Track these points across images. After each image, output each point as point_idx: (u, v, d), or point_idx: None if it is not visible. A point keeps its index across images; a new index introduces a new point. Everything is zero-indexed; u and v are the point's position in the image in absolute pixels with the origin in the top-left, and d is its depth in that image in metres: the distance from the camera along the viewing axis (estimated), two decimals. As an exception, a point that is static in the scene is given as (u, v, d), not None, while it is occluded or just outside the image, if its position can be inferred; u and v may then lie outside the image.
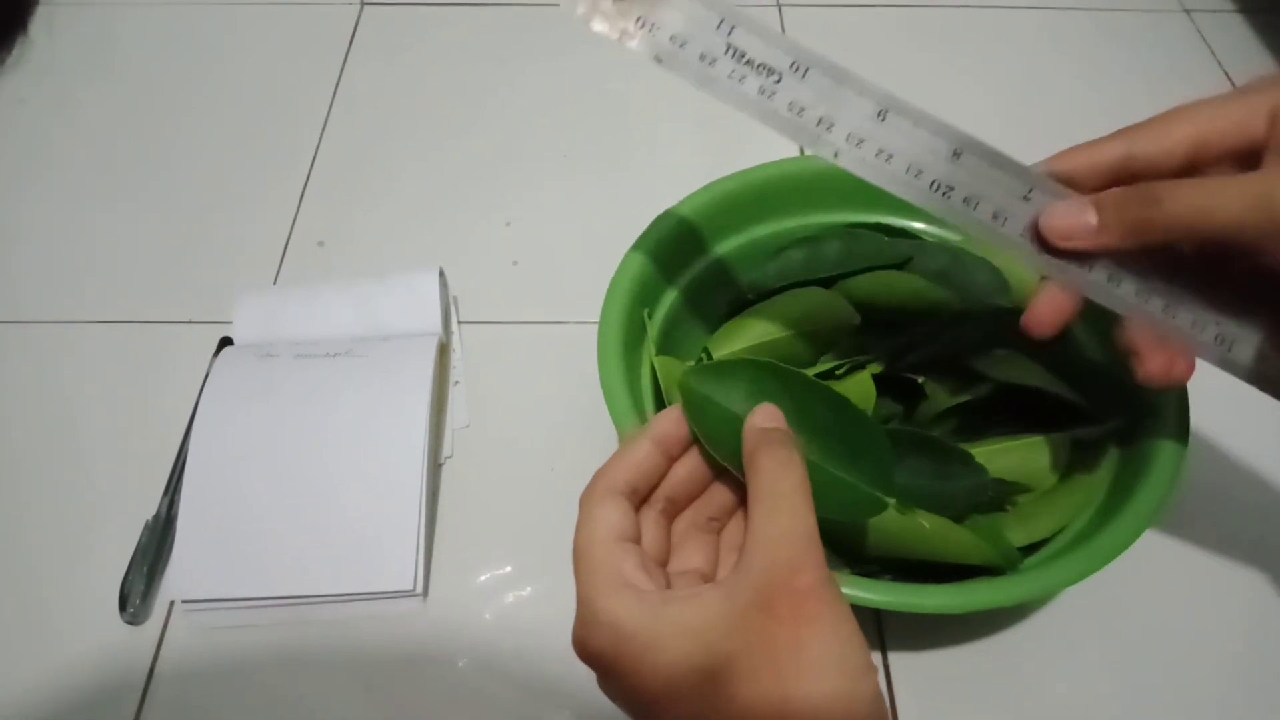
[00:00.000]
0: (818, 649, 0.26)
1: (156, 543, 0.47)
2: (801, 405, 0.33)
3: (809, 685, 0.25)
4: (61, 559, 0.48)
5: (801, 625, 0.26)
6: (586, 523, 0.30)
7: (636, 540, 0.31)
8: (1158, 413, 0.42)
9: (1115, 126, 0.73)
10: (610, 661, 0.28)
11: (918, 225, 0.50)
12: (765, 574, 0.27)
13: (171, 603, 0.46)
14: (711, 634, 0.26)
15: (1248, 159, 0.31)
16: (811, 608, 0.26)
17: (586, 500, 0.31)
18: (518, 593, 0.47)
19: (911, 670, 0.45)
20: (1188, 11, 0.79)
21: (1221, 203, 0.29)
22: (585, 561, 0.29)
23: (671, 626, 0.27)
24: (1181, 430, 0.41)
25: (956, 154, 0.32)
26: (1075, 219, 0.31)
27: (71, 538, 0.48)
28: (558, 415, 0.53)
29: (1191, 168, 0.32)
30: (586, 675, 0.45)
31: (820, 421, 0.33)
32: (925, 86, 0.72)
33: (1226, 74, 0.74)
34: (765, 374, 0.34)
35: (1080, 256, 0.32)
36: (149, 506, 0.49)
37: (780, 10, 0.78)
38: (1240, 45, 0.77)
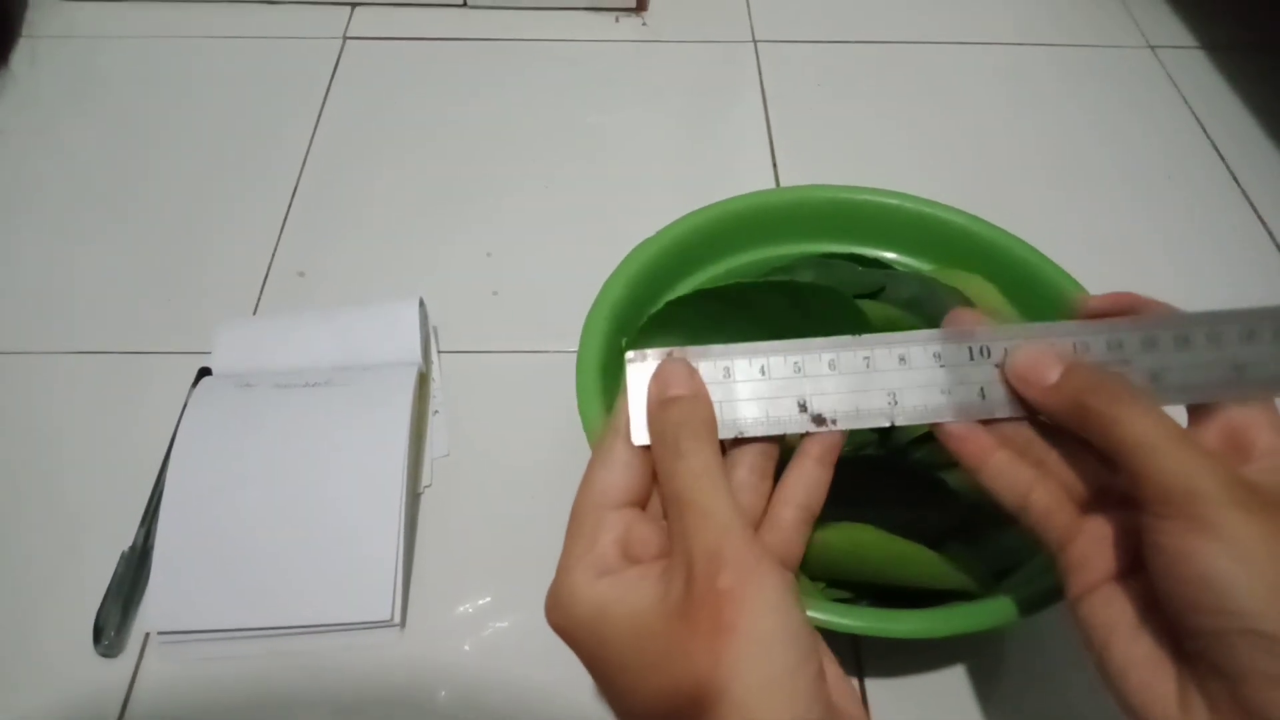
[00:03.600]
0: (730, 662, 0.24)
1: (132, 574, 0.47)
2: (756, 313, 0.33)
3: (719, 700, 0.24)
4: (36, 590, 0.47)
5: (719, 635, 0.24)
6: (584, 481, 0.29)
7: (642, 499, 0.29)
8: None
9: (1082, 160, 0.74)
10: (568, 639, 0.28)
11: (890, 255, 0.51)
12: (686, 579, 0.26)
13: (147, 635, 0.46)
14: (644, 639, 0.26)
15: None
16: (729, 614, 0.25)
17: (594, 452, 0.30)
18: (497, 623, 0.47)
19: (888, 696, 0.45)
20: (1153, 48, 0.81)
21: (1163, 456, 0.26)
22: (570, 527, 0.29)
23: (614, 620, 0.27)
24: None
25: None
26: (1038, 368, 0.30)
27: (46, 568, 0.48)
28: (537, 444, 0.53)
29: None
30: (568, 707, 0.45)
31: (783, 318, 0.33)
32: (897, 120, 0.74)
33: (1192, 110, 0.76)
34: (701, 305, 0.33)
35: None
36: (125, 537, 0.48)
37: (756, 46, 0.80)
38: (1205, 82, 0.79)
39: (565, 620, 0.28)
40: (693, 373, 0.30)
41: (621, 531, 0.28)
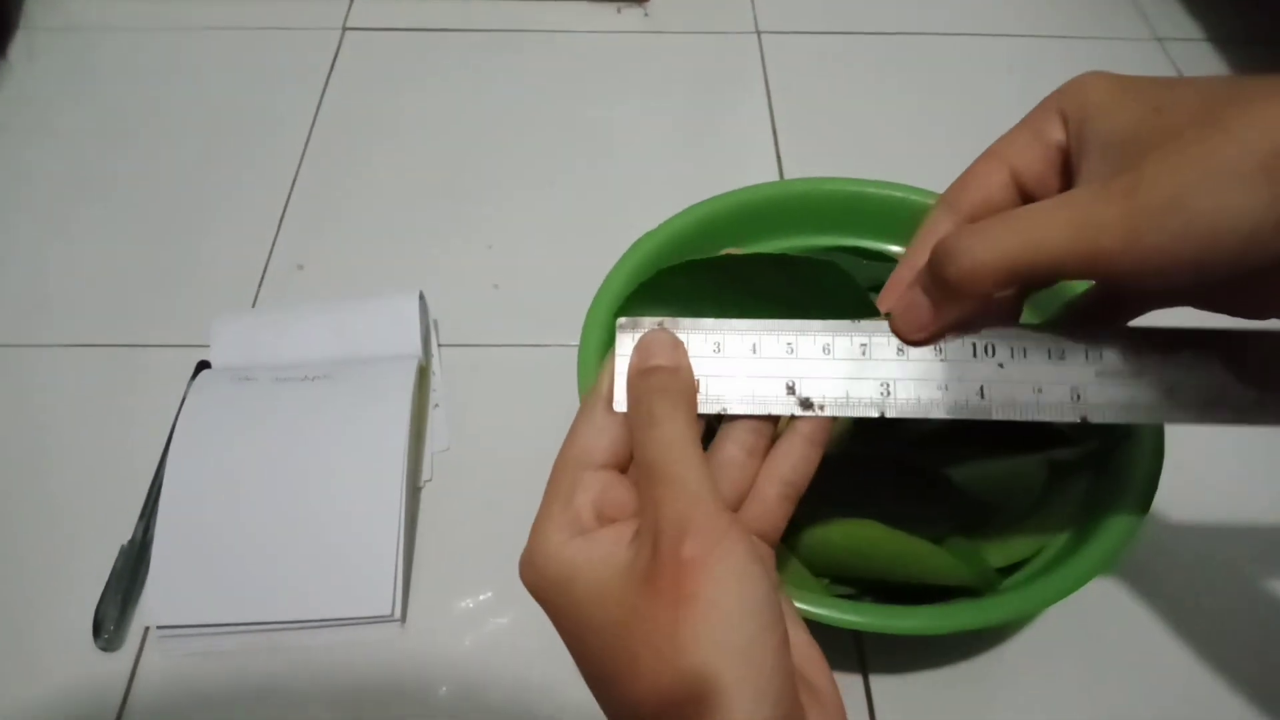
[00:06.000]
0: (690, 630, 0.24)
1: (132, 568, 0.47)
2: (752, 287, 0.32)
3: (678, 666, 0.24)
4: (35, 584, 0.47)
5: (680, 603, 0.24)
6: (566, 441, 0.29)
7: (622, 462, 0.29)
8: (1132, 435, 0.42)
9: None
10: (539, 598, 0.28)
11: (895, 248, 0.51)
12: (652, 547, 0.26)
13: (146, 629, 0.46)
14: (609, 602, 0.26)
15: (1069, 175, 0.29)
16: (690, 583, 0.24)
17: (577, 413, 0.30)
18: (498, 619, 0.47)
19: (892, 693, 0.44)
20: (1160, 40, 0.81)
21: (1045, 234, 0.26)
22: (548, 485, 0.29)
23: (583, 583, 0.27)
24: (1156, 453, 0.41)
25: None
26: (917, 311, 0.30)
27: (45, 563, 0.48)
28: (538, 438, 0.52)
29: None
30: (569, 703, 0.44)
31: (778, 292, 0.32)
32: (902, 112, 0.74)
33: (1197, 101, 0.75)
34: (695, 275, 0.33)
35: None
36: (124, 531, 0.48)
37: (759, 37, 0.79)
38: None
39: (537, 579, 0.28)
40: (677, 344, 0.30)
41: (598, 492, 0.28)
